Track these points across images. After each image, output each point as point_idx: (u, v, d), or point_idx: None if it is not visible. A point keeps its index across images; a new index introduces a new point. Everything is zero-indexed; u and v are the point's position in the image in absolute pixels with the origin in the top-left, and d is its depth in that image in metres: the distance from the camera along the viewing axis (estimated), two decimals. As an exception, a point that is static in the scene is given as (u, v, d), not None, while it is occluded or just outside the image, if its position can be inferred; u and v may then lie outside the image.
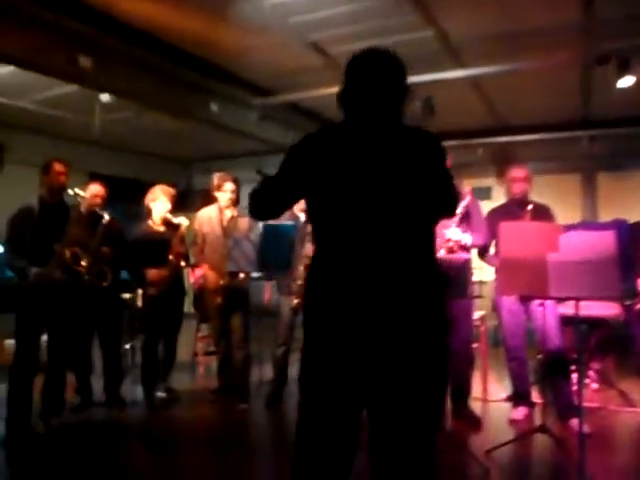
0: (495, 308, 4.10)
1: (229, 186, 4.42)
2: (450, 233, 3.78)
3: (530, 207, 3.85)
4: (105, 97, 5.36)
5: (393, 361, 1.63)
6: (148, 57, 4.89)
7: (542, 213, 3.91)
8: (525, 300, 3.80)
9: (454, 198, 1.86)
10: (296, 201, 1.91)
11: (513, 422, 3.89)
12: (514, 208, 3.98)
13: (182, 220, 4.54)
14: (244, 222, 4.36)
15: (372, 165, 1.68)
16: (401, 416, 1.65)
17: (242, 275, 4.31)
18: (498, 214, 4.00)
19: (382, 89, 1.74)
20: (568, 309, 3.65)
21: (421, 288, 1.66)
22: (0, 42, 4.07)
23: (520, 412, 3.96)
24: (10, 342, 4.14)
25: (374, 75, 1.75)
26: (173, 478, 3.11)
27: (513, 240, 2.83)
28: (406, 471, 1.67)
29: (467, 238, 3.82)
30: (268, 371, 4.61)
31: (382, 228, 1.66)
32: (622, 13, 4.16)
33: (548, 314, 3.57)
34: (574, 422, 3.55)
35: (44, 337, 3.86)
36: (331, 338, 1.67)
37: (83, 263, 3.85)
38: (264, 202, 1.88)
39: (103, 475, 3.14)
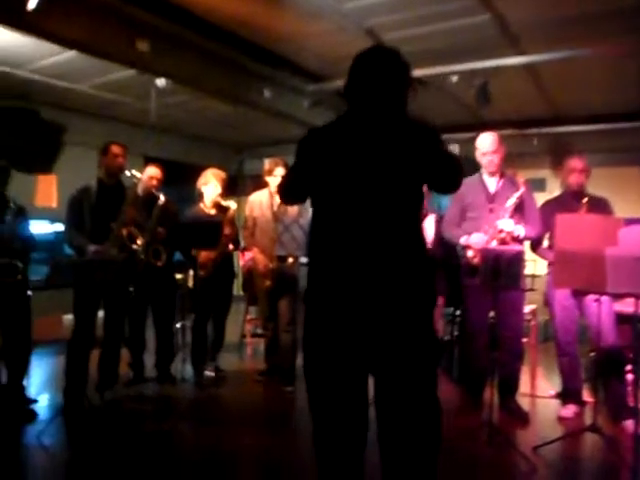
0: (547, 302, 4.00)
1: (280, 171, 4.45)
2: (503, 224, 3.71)
3: (586, 200, 3.74)
4: (161, 82, 5.45)
5: (386, 325, 1.84)
6: (204, 42, 4.94)
7: (599, 206, 3.79)
8: (579, 295, 3.70)
9: (454, 173, 1.98)
10: (312, 189, 2.05)
11: (562, 420, 3.81)
12: (570, 200, 3.86)
13: (231, 203, 4.61)
14: (294, 207, 4.38)
15: (367, 154, 1.86)
16: (400, 375, 1.87)
17: (291, 259, 4.35)
18: (553, 206, 3.90)
19: (381, 83, 1.88)
20: (625, 306, 3.54)
21: (409, 261, 1.87)
22: (63, 27, 4.19)
23: (569, 410, 3.86)
24: (68, 317, 4.32)
25: (375, 70, 1.89)
26: (218, 454, 3.19)
27: (570, 232, 2.75)
28: (411, 421, 1.87)
29: (520, 230, 3.74)
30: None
31: (374, 208, 1.85)
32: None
33: (603, 310, 3.46)
34: (628, 423, 3.44)
35: (101, 313, 4.01)
36: (330, 313, 1.89)
37: (139, 242, 3.97)
38: (287, 191, 2.14)
39: (151, 447, 3.26)
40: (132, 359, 4.43)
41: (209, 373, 4.64)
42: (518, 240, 3.76)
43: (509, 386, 3.92)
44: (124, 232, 3.89)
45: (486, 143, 3.88)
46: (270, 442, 3.38)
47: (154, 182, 4.37)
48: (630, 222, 2.75)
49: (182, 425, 3.63)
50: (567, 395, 3.95)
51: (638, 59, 5.07)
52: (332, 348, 1.89)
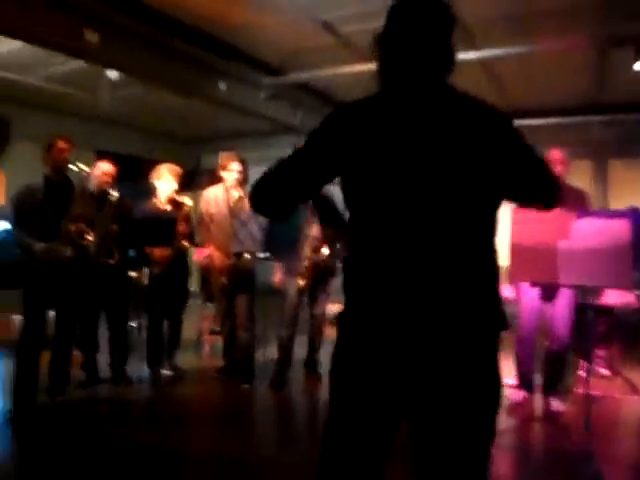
0: (515, 290, 4.10)
1: (235, 166, 4.38)
2: None
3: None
4: (112, 74, 5.30)
5: (435, 375, 1.36)
6: (156, 33, 4.81)
7: (575, 198, 3.76)
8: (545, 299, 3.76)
9: (549, 182, 1.47)
10: (322, 185, 1.52)
11: (512, 404, 3.90)
12: None
13: (186, 200, 4.52)
14: (251, 202, 4.33)
15: (422, 143, 1.36)
16: (444, 436, 1.38)
17: (248, 256, 4.30)
18: None
19: (431, 48, 1.40)
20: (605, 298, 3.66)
21: (471, 298, 1.37)
22: (6, 17, 4.01)
23: (519, 395, 3.97)
24: (17, 318, 4.16)
25: (421, 30, 1.40)
26: (176, 455, 3.12)
27: (525, 226, 2.79)
28: None
29: None
30: (273, 352, 4.62)
31: (430, 224, 1.36)
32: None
33: (560, 304, 3.55)
34: (553, 401, 3.72)
35: (51, 313, 3.87)
36: (366, 349, 1.41)
37: (89, 238, 3.84)
38: (278, 190, 1.49)
39: (107, 451, 3.16)
40: (84, 360, 4.29)
41: (166, 372, 4.55)
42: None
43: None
44: (72, 228, 3.75)
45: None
46: (229, 441, 3.33)
47: (107, 178, 4.23)
48: (581, 215, 2.80)
49: (139, 427, 3.53)
50: (519, 380, 4.04)
51: (592, 54, 5.20)
52: (363, 386, 1.43)
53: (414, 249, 1.37)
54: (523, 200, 1.53)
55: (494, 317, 1.42)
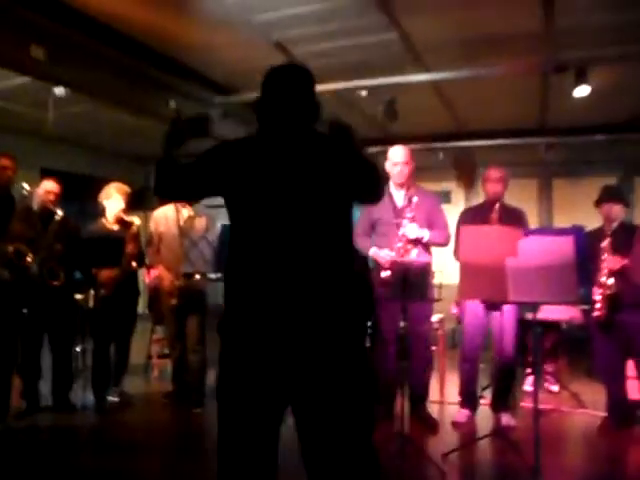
0: (460, 308, 4.14)
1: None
2: (407, 231, 3.71)
3: (496, 209, 3.85)
4: (59, 90, 5.14)
5: (312, 362, 1.66)
6: (105, 50, 4.71)
7: (513, 217, 3.87)
8: (490, 308, 3.80)
9: (373, 180, 1.87)
10: (204, 196, 2.01)
11: (456, 425, 3.92)
12: (485, 209, 3.97)
13: (134, 219, 4.42)
14: (201, 222, 4.27)
15: (285, 173, 1.76)
16: (326, 420, 1.67)
17: (198, 276, 4.21)
18: (471, 214, 4.02)
19: (293, 100, 1.85)
20: (547, 314, 3.73)
21: (336, 287, 1.72)
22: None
23: (463, 414, 3.99)
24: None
25: (286, 87, 1.87)
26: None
27: (474, 244, 2.83)
28: (340, 472, 1.68)
29: (425, 233, 3.77)
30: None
31: (296, 230, 1.73)
32: (581, 24, 4.24)
33: (505, 319, 3.60)
34: (503, 416, 3.76)
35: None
36: (248, 344, 1.70)
37: (28, 259, 3.69)
38: (174, 185, 1.97)
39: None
40: (24, 388, 4.08)
41: (112, 398, 4.37)
42: (422, 244, 3.79)
43: (420, 395, 3.98)
44: (10, 249, 3.60)
45: (398, 154, 3.92)
46: (180, 468, 3.22)
47: (51, 197, 4.10)
48: (528, 233, 2.86)
49: (83, 457, 3.38)
50: (463, 399, 4.07)
51: (536, 79, 5.40)
52: (247, 386, 1.70)
53: (282, 259, 1.69)
54: (361, 199, 2.02)
55: (357, 314, 1.75)
